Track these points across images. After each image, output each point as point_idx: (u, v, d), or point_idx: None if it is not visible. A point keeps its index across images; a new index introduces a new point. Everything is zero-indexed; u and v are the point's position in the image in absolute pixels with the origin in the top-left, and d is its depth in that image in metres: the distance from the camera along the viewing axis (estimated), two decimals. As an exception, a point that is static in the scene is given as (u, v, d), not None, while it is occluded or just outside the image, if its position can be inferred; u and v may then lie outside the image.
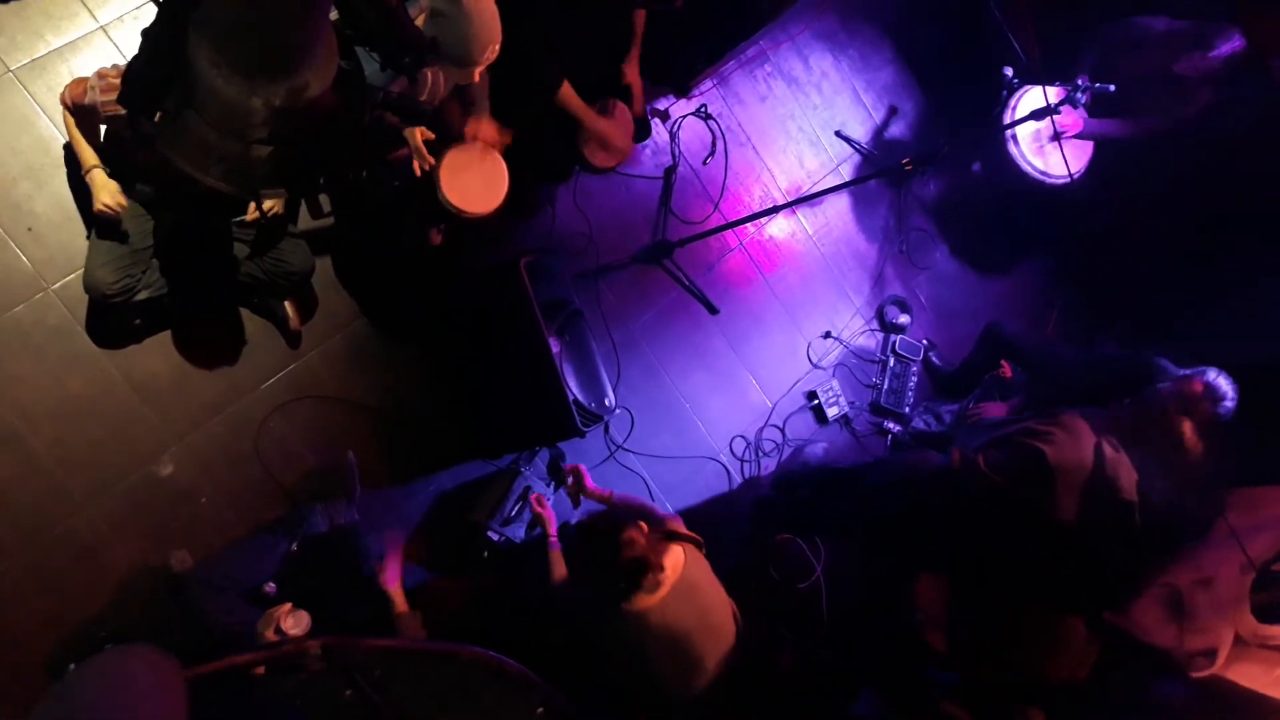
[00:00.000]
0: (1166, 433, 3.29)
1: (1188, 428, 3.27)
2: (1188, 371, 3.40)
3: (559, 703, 2.67)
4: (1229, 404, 3.28)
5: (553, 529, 3.35)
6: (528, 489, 3.68)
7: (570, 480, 3.43)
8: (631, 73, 3.79)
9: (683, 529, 3.17)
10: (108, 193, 2.79)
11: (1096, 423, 3.28)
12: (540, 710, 2.62)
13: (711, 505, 4.42)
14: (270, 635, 2.66)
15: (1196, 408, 3.29)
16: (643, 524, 2.93)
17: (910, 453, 3.84)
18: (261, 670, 2.09)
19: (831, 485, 4.12)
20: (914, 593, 3.49)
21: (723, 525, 4.36)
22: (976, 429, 3.72)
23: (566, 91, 3.42)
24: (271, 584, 3.05)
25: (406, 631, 2.94)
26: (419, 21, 2.73)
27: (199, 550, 3.26)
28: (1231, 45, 4.30)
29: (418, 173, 3.14)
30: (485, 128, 3.30)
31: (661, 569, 2.85)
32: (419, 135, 3.09)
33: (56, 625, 3.06)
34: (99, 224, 2.87)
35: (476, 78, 2.93)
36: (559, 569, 3.24)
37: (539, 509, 3.40)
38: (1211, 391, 3.28)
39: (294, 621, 2.68)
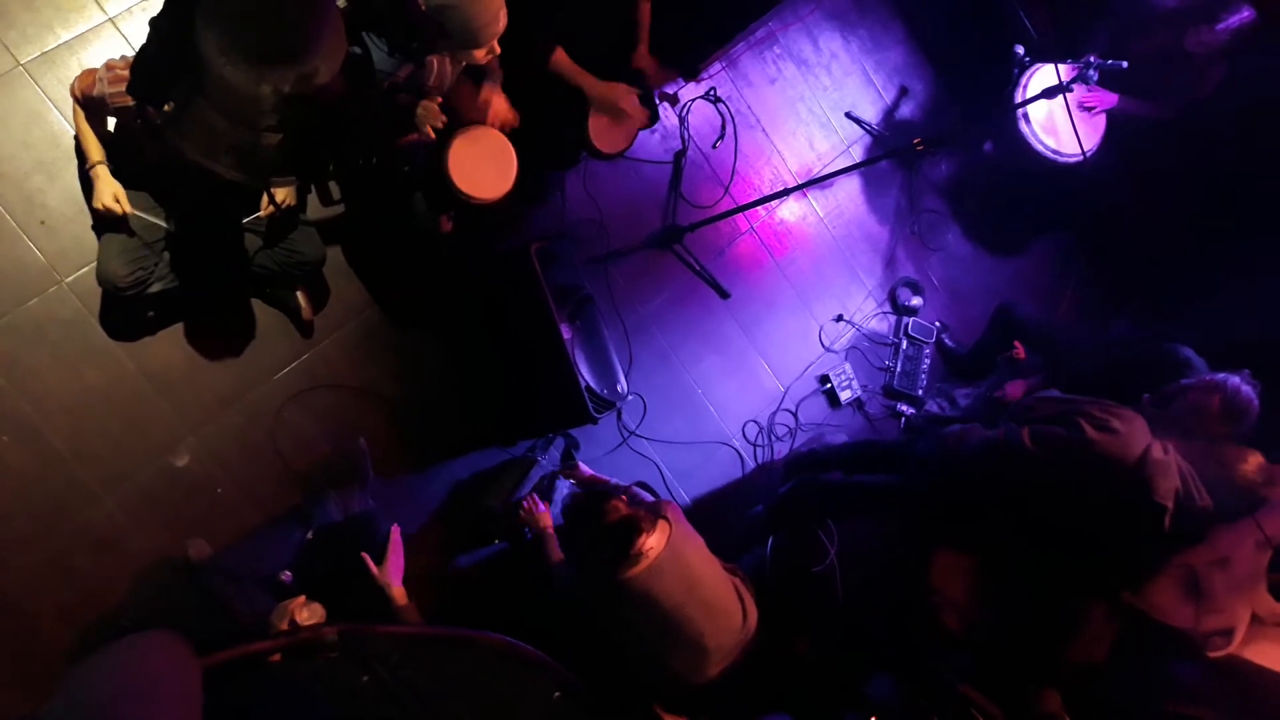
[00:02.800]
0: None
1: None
2: (1211, 377, 3.34)
3: (575, 687, 2.68)
4: (1251, 419, 3.25)
5: (547, 524, 3.38)
6: (544, 478, 3.68)
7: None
8: (642, 59, 3.75)
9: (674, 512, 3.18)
10: (109, 193, 2.75)
11: (1157, 427, 3.24)
12: (556, 694, 2.64)
13: (725, 490, 4.42)
14: (284, 628, 2.67)
15: (1215, 426, 3.26)
16: (625, 497, 2.97)
17: (955, 426, 3.78)
18: (278, 658, 2.10)
19: (867, 461, 4.10)
20: (929, 574, 3.48)
21: (737, 510, 4.38)
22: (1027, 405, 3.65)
23: (560, 57, 3.39)
24: (288, 573, 3.07)
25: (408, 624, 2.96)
26: (424, 6, 2.73)
27: (216, 540, 3.28)
28: (1239, 18, 4.24)
29: (430, 135, 3.09)
30: (497, 100, 3.28)
31: (647, 536, 2.88)
32: (433, 107, 3.04)
33: (76, 615, 3.09)
34: (99, 220, 2.86)
35: (483, 58, 2.91)
36: (555, 552, 3.30)
37: (532, 512, 3.43)
38: (1231, 407, 3.24)
39: (309, 614, 2.69)
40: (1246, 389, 3.25)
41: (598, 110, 3.65)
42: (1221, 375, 3.31)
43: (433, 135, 3.07)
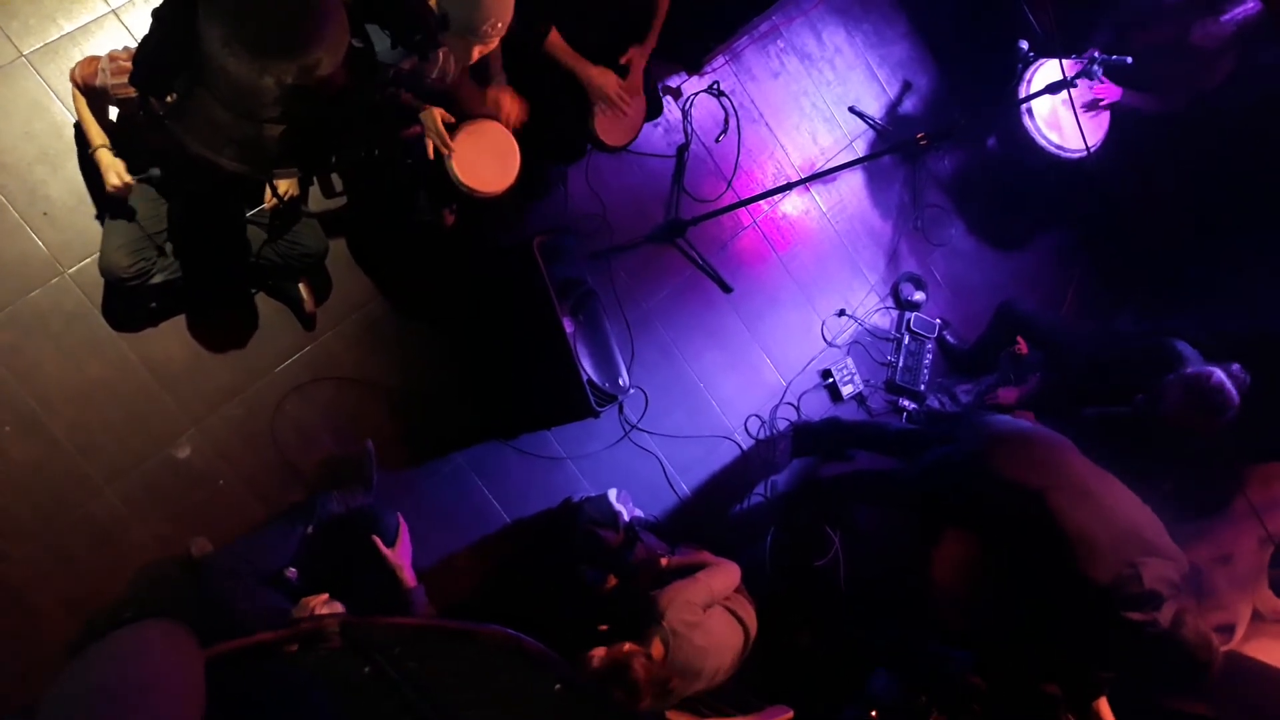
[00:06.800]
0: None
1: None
2: (1197, 370, 3.34)
3: (577, 679, 2.68)
4: (1232, 414, 3.25)
5: None
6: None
7: None
8: (635, 54, 3.70)
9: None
10: (114, 171, 2.75)
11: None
12: (558, 687, 2.63)
13: (727, 484, 4.42)
14: None
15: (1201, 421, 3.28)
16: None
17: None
18: (295, 648, 2.10)
19: (879, 443, 4.10)
20: (931, 568, 3.48)
21: (737, 500, 4.39)
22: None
23: (555, 39, 3.38)
24: (293, 570, 3.06)
25: (416, 607, 2.96)
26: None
27: (217, 534, 3.27)
28: (1244, 9, 4.23)
29: (430, 155, 3.12)
30: (505, 99, 3.29)
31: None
32: (439, 118, 3.06)
33: (78, 607, 3.09)
34: (112, 205, 2.85)
35: (486, 54, 2.91)
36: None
37: None
38: (1214, 399, 3.25)
39: (328, 611, 2.69)
40: (1226, 382, 3.24)
41: (592, 97, 3.61)
42: (1207, 369, 3.30)
43: (432, 155, 3.08)
